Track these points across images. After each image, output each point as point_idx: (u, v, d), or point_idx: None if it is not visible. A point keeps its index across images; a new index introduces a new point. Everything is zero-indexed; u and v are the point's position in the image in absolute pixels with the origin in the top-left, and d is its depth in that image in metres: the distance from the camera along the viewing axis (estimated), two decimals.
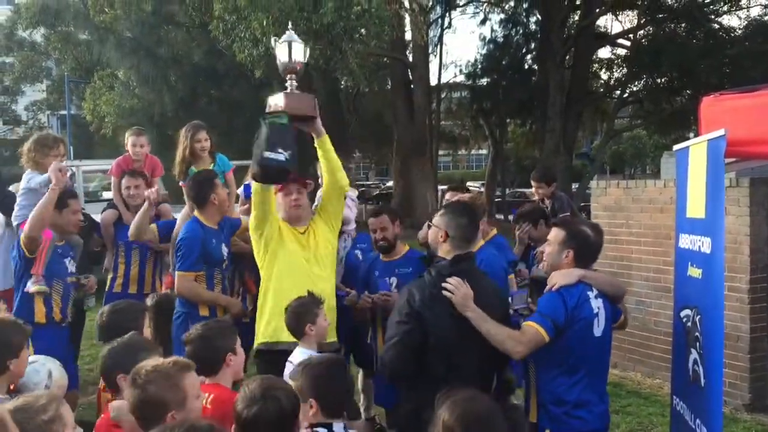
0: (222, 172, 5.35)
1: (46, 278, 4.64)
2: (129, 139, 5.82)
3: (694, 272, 3.79)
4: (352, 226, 5.19)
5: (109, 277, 5.63)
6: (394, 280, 4.57)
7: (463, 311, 3.24)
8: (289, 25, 4.75)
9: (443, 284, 3.26)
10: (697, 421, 3.64)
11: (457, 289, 3.24)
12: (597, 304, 3.45)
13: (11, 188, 5.41)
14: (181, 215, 5.12)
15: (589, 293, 3.44)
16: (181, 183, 5.20)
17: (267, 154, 3.90)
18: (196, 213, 4.62)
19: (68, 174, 4.66)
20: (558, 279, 3.44)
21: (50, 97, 38.79)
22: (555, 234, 3.59)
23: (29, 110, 41.35)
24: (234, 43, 15.39)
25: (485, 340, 3.29)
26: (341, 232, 5.06)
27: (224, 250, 4.63)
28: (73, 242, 5.04)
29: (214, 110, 22.48)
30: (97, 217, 5.86)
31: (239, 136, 21.58)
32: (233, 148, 21.31)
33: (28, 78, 35.92)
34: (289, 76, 4.26)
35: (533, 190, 6.80)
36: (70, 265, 4.84)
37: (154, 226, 5.25)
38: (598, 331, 3.45)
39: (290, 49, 4.26)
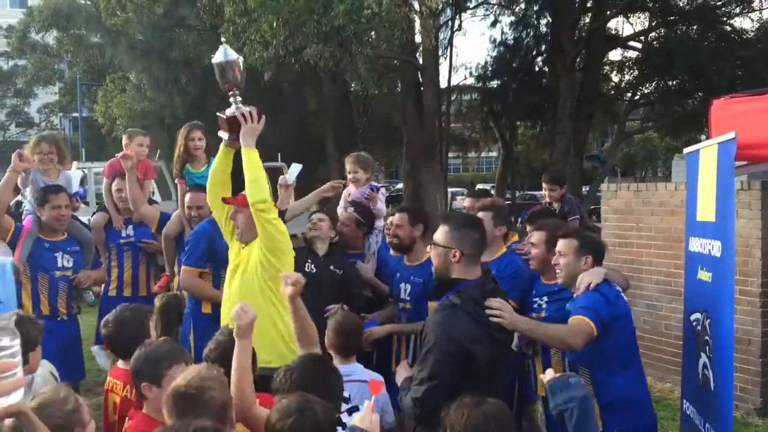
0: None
1: (31, 271, 4.77)
2: (135, 139, 5.75)
3: (705, 276, 3.77)
4: (382, 222, 5.16)
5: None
6: (408, 288, 4.52)
7: (516, 327, 3.17)
8: (222, 39, 4.42)
9: (488, 311, 3.08)
10: (707, 425, 3.62)
11: (502, 310, 3.09)
12: (626, 298, 3.59)
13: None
14: (174, 214, 5.31)
15: (618, 289, 3.55)
16: (177, 180, 5.29)
17: None
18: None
19: (27, 163, 4.72)
20: (589, 279, 3.47)
21: (62, 99, 39.09)
22: (567, 244, 3.61)
23: (42, 112, 41.73)
24: (244, 45, 15.43)
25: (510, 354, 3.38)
26: (373, 228, 5.06)
27: None
28: (81, 238, 5.09)
29: None
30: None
31: None
32: None
33: (41, 80, 36.24)
34: (231, 92, 3.97)
35: (544, 192, 6.75)
36: (64, 260, 4.90)
37: (157, 212, 5.47)
38: (633, 323, 3.62)
39: (226, 68, 3.90)
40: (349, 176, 5.38)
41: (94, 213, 5.90)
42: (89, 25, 25.31)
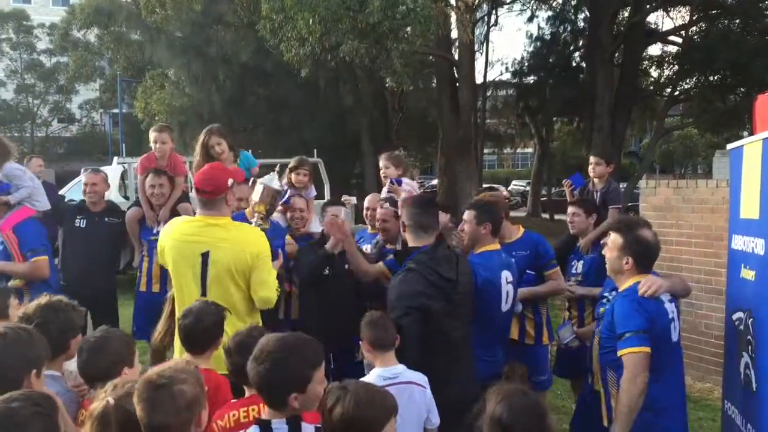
0: (247, 168, 5.47)
1: None
2: (151, 135, 5.80)
3: (748, 274, 3.71)
4: None
5: (138, 275, 5.74)
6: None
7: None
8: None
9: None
10: (749, 426, 3.57)
11: None
12: (671, 308, 3.46)
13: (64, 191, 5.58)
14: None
15: (663, 298, 3.43)
16: None
17: None
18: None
19: None
20: (647, 287, 3.37)
21: (103, 95, 39.95)
22: (614, 239, 3.55)
23: (83, 108, 42.63)
24: (281, 42, 15.53)
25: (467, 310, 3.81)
26: None
27: None
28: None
29: (261, 109, 22.73)
30: None
31: (286, 133, 21.79)
32: (281, 146, 21.59)
33: (82, 77, 37.00)
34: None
35: (590, 167, 6.22)
36: None
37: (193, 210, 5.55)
38: (674, 335, 3.48)
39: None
40: (381, 173, 5.53)
41: (129, 207, 5.96)
42: (129, 23, 25.68)
